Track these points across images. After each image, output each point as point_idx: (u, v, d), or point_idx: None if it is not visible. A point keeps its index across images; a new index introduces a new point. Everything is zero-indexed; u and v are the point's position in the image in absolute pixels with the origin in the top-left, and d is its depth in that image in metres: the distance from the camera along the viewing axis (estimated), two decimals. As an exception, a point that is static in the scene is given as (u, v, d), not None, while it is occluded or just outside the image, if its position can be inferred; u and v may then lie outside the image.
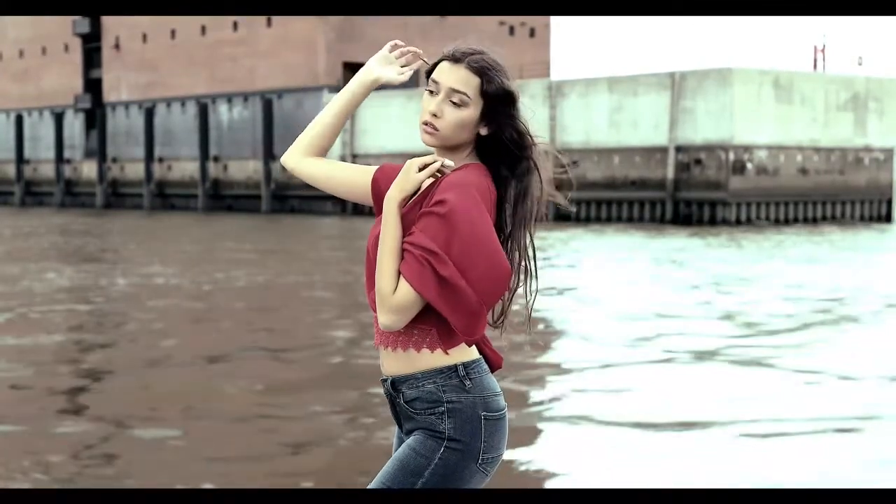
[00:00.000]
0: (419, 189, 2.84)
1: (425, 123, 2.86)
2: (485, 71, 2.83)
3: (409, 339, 2.85)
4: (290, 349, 12.19)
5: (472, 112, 2.84)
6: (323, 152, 3.11)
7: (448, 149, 2.89)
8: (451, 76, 2.84)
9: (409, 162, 2.84)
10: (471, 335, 2.78)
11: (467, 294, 2.72)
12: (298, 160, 3.12)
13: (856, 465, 7.24)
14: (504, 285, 2.77)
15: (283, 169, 50.88)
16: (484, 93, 2.83)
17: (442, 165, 2.81)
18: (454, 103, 2.84)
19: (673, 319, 14.54)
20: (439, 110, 2.84)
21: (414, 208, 2.83)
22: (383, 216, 2.81)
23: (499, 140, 2.87)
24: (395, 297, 2.74)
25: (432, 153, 2.92)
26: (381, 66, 3.03)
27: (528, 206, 2.88)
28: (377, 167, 3.08)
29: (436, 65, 2.90)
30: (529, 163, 2.87)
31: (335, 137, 3.12)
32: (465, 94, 2.83)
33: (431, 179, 2.84)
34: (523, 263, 2.93)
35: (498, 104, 2.84)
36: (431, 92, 2.87)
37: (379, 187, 3.03)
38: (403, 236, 2.79)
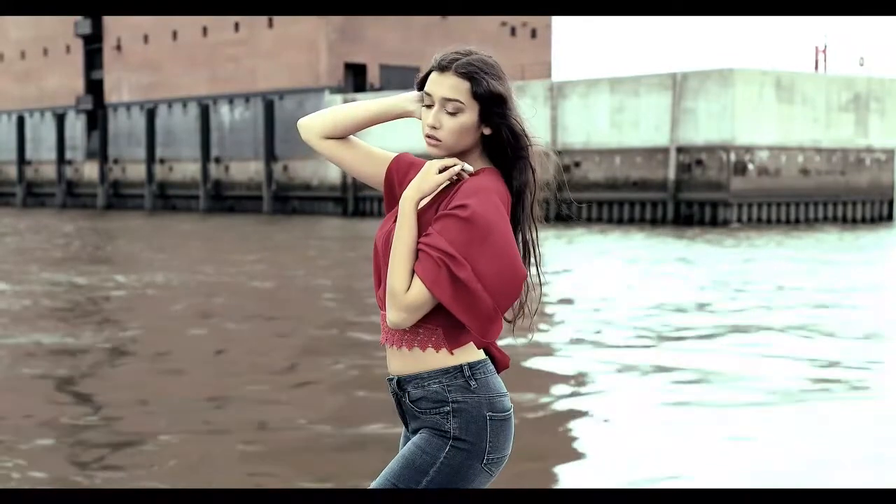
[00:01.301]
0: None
1: (428, 136, 2.87)
2: (473, 74, 2.83)
3: (414, 337, 2.85)
4: (296, 348, 12.20)
5: (469, 116, 2.84)
6: (341, 138, 3.09)
7: (457, 154, 2.90)
8: (441, 86, 2.84)
9: (428, 163, 2.85)
10: (485, 338, 2.80)
11: (483, 298, 2.73)
12: (310, 137, 3.07)
13: (852, 466, 7.24)
14: (519, 290, 2.78)
15: (285, 169, 50.59)
16: (476, 95, 2.83)
17: (462, 170, 2.82)
18: (450, 112, 2.84)
19: (672, 320, 14.54)
20: (437, 121, 2.85)
21: (430, 209, 2.84)
22: (399, 215, 2.81)
23: (500, 138, 2.88)
24: (408, 295, 2.75)
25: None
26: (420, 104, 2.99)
27: (527, 204, 2.88)
28: (395, 155, 3.08)
29: (426, 77, 2.91)
30: (525, 162, 2.87)
31: (355, 132, 3.10)
32: (457, 100, 2.83)
33: (448, 182, 2.86)
34: (528, 259, 2.93)
35: (491, 105, 2.84)
36: (428, 105, 2.88)
37: (392, 178, 3.04)
38: (418, 236, 2.79)
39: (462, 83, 2.83)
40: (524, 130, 2.87)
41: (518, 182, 2.87)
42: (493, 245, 2.73)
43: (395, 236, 2.80)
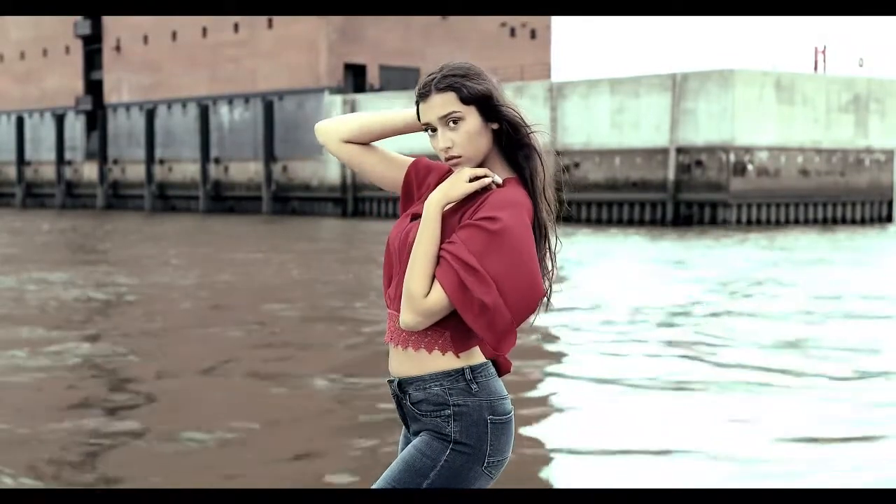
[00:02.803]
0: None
1: (448, 160, 2.88)
2: (451, 85, 2.84)
3: (421, 339, 2.85)
4: (299, 345, 12.20)
5: (472, 120, 2.85)
6: (361, 143, 3.09)
7: (481, 163, 2.90)
8: (432, 110, 2.86)
9: (459, 170, 2.85)
10: (500, 350, 2.82)
11: (503, 314, 2.74)
12: (329, 140, 3.07)
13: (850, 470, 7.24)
14: (535, 307, 2.80)
15: (284, 170, 50.47)
16: (464, 100, 2.84)
17: (492, 181, 2.83)
18: (453, 125, 2.85)
19: (667, 320, 14.54)
20: (448, 141, 2.86)
21: (454, 215, 2.84)
22: (423, 217, 2.81)
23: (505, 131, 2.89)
24: (427, 300, 2.76)
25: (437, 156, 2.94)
26: None
27: (539, 187, 2.87)
28: (412, 161, 3.08)
29: (418, 115, 2.91)
30: (529, 148, 2.88)
31: (381, 139, 3.09)
32: (453, 111, 2.84)
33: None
34: (543, 243, 2.92)
35: (483, 103, 2.85)
36: (433, 135, 2.88)
37: (410, 181, 3.05)
38: (440, 240, 2.79)
39: (447, 96, 2.84)
40: (521, 118, 2.88)
41: (527, 168, 2.87)
42: (516, 260, 2.74)
43: (416, 239, 2.80)
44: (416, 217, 2.91)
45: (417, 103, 2.90)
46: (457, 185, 2.82)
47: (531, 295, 2.77)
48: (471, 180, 2.83)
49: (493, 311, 2.73)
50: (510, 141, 2.88)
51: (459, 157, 2.86)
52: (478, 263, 2.72)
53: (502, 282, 2.73)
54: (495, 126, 2.87)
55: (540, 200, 2.87)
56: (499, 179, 2.84)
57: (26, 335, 13.17)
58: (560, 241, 2.98)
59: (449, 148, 2.85)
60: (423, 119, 2.88)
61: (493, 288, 2.72)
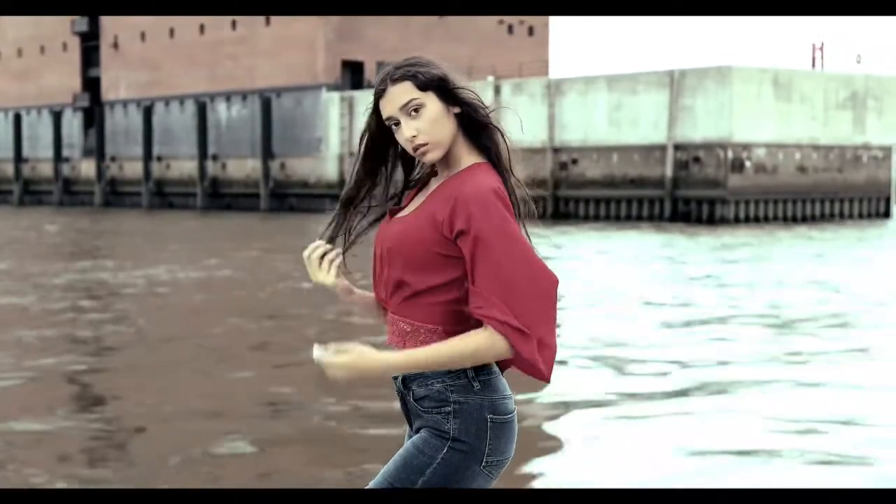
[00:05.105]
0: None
1: (415, 150, 2.85)
2: (406, 74, 2.83)
3: (417, 338, 2.84)
4: (295, 343, 12.20)
5: (432, 105, 2.83)
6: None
7: (449, 151, 2.88)
8: (391, 102, 2.85)
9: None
10: (546, 377, 2.82)
11: (537, 358, 2.77)
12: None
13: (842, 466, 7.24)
14: (552, 300, 2.81)
15: (282, 167, 50.36)
16: (421, 87, 2.83)
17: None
18: (414, 113, 2.83)
19: (663, 319, 14.54)
20: (413, 129, 2.83)
21: (432, 212, 2.80)
22: (380, 372, 2.78)
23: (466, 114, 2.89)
24: (499, 343, 2.75)
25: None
26: (321, 274, 2.99)
27: (506, 164, 2.86)
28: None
29: (379, 115, 2.91)
30: (490, 128, 2.87)
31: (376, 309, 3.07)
32: (412, 98, 2.83)
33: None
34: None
35: (440, 87, 2.84)
36: (397, 128, 2.87)
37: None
38: (420, 232, 2.79)
39: (403, 85, 2.83)
40: (479, 99, 2.88)
41: (492, 148, 2.87)
42: (510, 263, 2.73)
43: (407, 366, 2.79)
44: (395, 214, 2.94)
45: (377, 102, 2.88)
46: (359, 361, 2.77)
47: (540, 294, 2.77)
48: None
49: (531, 360, 2.75)
50: (472, 123, 2.86)
51: (426, 143, 2.83)
52: (517, 321, 2.72)
53: (505, 291, 2.73)
54: (457, 110, 2.86)
55: (509, 177, 2.86)
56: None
57: (26, 333, 13.17)
58: (528, 231, 2.96)
59: (414, 137, 2.82)
60: (385, 114, 2.86)
61: (533, 340, 2.74)
